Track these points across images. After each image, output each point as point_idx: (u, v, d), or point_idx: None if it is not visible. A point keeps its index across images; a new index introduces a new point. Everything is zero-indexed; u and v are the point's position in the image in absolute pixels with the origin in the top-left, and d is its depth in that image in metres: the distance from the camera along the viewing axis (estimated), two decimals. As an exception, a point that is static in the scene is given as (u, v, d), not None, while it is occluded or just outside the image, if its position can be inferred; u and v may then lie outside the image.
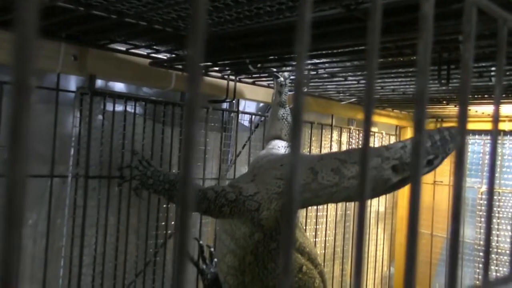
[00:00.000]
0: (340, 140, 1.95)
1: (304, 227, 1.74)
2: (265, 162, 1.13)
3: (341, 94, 1.69)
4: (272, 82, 1.40)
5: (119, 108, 1.24)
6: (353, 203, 2.02)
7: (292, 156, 0.22)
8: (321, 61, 1.15)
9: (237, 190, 1.05)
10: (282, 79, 1.29)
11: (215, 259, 1.25)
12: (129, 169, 1.14)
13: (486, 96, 1.46)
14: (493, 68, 1.06)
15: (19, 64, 0.16)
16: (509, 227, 2.07)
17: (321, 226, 1.86)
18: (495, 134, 0.35)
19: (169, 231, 1.35)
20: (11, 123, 0.16)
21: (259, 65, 1.21)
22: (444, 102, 1.69)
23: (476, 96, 1.47)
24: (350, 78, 1.34)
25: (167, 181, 1.08)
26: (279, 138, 1.29)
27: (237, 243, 1.05)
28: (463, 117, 0.29)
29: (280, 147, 1.25)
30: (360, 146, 1.24)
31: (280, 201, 1.03)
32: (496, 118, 0.35)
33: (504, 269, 2.04)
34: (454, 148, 1.00)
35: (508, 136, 2.10)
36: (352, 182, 1.01)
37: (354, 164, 1.02)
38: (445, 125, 2.26)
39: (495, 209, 2.08)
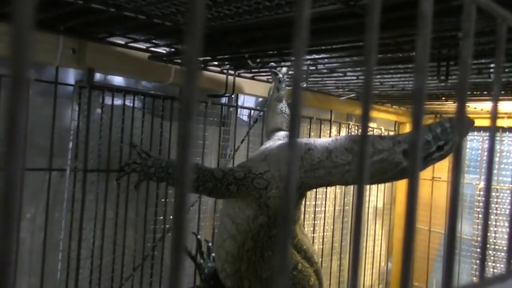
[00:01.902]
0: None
1: (303, 222, 1.74)
2: (276, 147, 1.14)
3: (340, 90, 1.69)
4: (271, 77, 1.40)
5: (118, 102, 1.24)
6: (351, 198, 2.02)
7: (290, 152, 0.22)
8: (320, 56, 1.15)
9: (246, 169, 1.06)
10: (280, 75, 1.30)
11: (213, 254, 1.25)
12: (131, 165, 1.14)
13: (485, 92, 1.46)
14: (492, 65, 1.06)
15: (15, 57, 0.16)
16: (506, 224, 2.08)
17: (319, 222, 1.87)
18: (493, 130, 0.35)
19: (167, 225, 1.35)
20: (7, 116, 0.16)
21: (258, 60, 1.21)
22: (443, 98, 1.69)
23: (475, 92, 1.47)
24: (349, 73, 1.34)
25: (170, 165, 1.08)
26: (281, 130, 1.29)
27: (238, 227, 1.05)
28: (461, 113, 0.29)
29: (286, 137, 1.25)
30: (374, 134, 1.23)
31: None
32: (494, 114, 0.35)
33: (502, 265, 2.05)
34: (464, 135, 1.00)
35: (507, 132, 2.10)
36: None
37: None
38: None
39: (492, 205, 2.09)
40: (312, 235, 1.83)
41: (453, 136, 0.99)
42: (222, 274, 1.11)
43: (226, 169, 1.07)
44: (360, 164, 0.25)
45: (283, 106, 1.30)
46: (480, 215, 2.14)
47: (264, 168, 1.06)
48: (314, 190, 1.82)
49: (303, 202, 1.70)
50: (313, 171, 1.04)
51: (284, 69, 1.31)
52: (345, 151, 1.03)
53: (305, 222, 1.79)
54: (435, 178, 2.28)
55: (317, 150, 1.05)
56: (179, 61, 1.24)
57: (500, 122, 2.02)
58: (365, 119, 0.25)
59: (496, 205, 2.10)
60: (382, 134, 1.47)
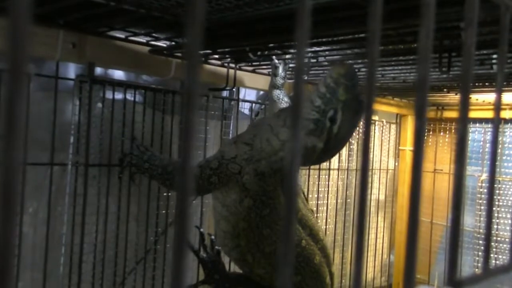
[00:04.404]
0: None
1: (306, 197, 1.74)
2: (251, 123, 1.14)
3: (342, 82, 1.68)
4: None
5: (119, 96, 1.24)
6: (353, 191, 2.02)
7: (293, 143, 0.22)
8: (321, 48, 1.14)
9: (219, 155, 1.05)
10: (276, 61, 1.29)
11: (217, 247, 1.25)
12: (128, 156, 1.13)
13: (487, 84, 1.45)
14: (494, 56, 1.05)
15: (13, 51, 0.16)
16: (509, 215, 2.08)
17: (321, 215, 1.87)
18: (497, 121, 0.35)
19: (169, 219, 1.35)
20: (5, 110, 0.16)
21: (259, 52, 1.20)
22: (445, 90, 1.68)
23: (477, 84, 1.46)
24: (350, 66, 1.33)
25: (160, 165, 1.07)
26: None
27: (228, 209, 1.04)
28: (465, 104, 0.29)
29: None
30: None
31: (250, 167, 1.01)
32: (498, 105, 0.34)
33: (504, 257, 2.05)
34: (348, 90, 0.87)
35: (509, 124, 2.09)
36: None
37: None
38: (445, 114, 2.26)
39: (494, 197, 2.09)
40: (314, 228, 1.83)
41: (336, 100, 0.88)
42: (225, 249, 1.11)
43: (202, 162, 1.06)
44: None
45: (280, 93, 1.30)
46: (482, 207, 2.14)
47: (233, 152, 1.04)
48: (316, 182, 1.82)
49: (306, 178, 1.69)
50: (259, 161, 1.01)
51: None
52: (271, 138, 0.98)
53: (307, 215, 1.79)
54: (437, 170, 2.28)
55: (260, 137, 1.01)
56: (179, 54, 1.23)
57: (502, 114, 2.02)
58: (368, 109, 0.24)
59: (498, 197, 2.10)
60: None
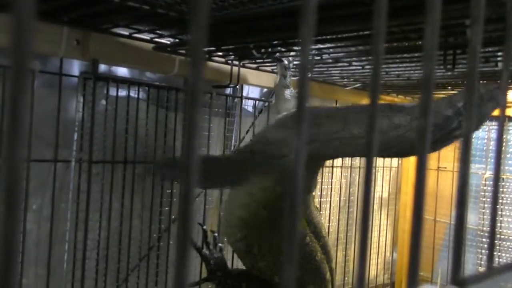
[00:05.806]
0: (344, 126, 1.94)
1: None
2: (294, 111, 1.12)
3: (346, 80, 1.68)
4: (276, 67, 1.39)
5: (122, 93, 1.24)
6: (356, 189, 2.02)
7: (298, 142, 0.22)
8: (326, 46, 1.14)
9: (263, 139, 1.03)
10: (286, 62, 1.29)
11: (219, 244, 1.25)
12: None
13: (491, 81, 1.45)
14: (499, 53, 1.05)
15: (16, 48, 0.16)
16: (512, 213, 2.07)
17: (324, 212, 1.87)
18: (502, 120, 0.34)
19: (172, 216, 1.36)
20: (9, 107, 0.15)
21: (263, 50, 1.20)
22: (449, 87, 1.67)
23: (481, 81, 1.46)
24: (354, 63, 1.33)
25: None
26: None
27: (252, 197, 1.02)
28: (470, 102, 0.29)
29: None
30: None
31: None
32: (503, 103, 0.34)
33: (507, 255, 2.05)
34: (491, 109, 0.85)
35: (513, 122, 2.09)
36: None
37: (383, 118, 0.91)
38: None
39: (498, 195, 2.07)
40: (318, 225, 1.83)
41: (477, 110, 0.85)
42: (231, 239, 1.10)
43: (241, 148, 1.05)
44: (368, 149, 0.24)
45: (292, 91, 1.29)
46: (486, 205, 2.14)
47: (281, 134, 1.00)
48: (320, 180, 1.82)
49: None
50: (329, 141, 0.96)
51: (289, 58, 1.30)
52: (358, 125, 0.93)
53: (310, 213, 1.79)
54: (440, 168, 2.27)
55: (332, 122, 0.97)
56: (183, 51, 1.23)
57: (506, 111, 2.01)
58: (373, 106, 0.24)
59: (502, 195, 2.09)
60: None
